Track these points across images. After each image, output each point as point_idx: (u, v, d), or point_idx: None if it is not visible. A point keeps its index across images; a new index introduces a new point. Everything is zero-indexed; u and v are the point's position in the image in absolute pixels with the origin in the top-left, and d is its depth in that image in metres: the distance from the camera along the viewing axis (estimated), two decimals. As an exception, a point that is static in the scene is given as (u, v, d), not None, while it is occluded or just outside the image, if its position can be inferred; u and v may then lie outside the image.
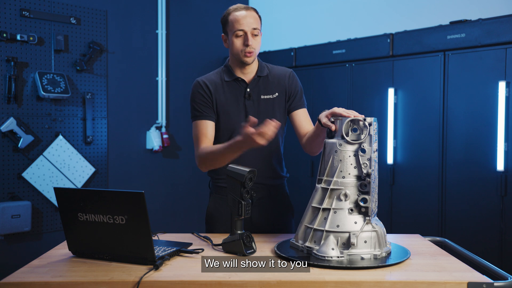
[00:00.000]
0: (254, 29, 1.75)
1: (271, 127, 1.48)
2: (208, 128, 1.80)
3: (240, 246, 1.48)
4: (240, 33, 1.75)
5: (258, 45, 1.79)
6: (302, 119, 1.87)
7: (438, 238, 1.75)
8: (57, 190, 1.45)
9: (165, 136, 3.97)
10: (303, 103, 1.89)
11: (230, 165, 1.52)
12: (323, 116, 1.58)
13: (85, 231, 1.44)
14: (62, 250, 1.56)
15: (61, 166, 3.42)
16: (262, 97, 1.83)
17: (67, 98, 3.43)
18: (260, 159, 1.83)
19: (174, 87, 4.10)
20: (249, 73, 1.83)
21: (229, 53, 1.84)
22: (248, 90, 1.82)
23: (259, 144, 1.51)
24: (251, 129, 1.49)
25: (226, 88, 1.82)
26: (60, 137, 3.41)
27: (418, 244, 1.63)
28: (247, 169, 1.49)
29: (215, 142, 1.84)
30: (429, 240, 1.71)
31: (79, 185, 3.52)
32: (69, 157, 3.45)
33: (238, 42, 1.76)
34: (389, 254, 1.46)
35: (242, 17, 1.74)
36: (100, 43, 3.61)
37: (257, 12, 1.80)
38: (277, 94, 1.84)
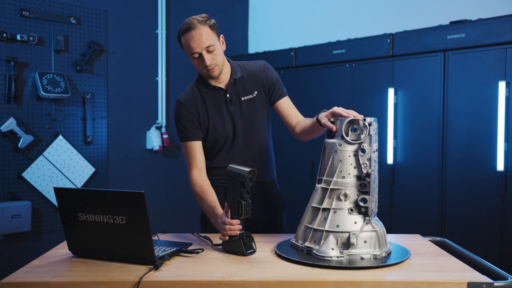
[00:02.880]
0: (208, 47, 1.72)
1: (235, 229, 1.52)
2: (197, 150, 1.82)
3: (240, 246, 1.48)
4: (196, 55, 1.74)
5: (218, 57, 1.76)
6: (287, 107, 1.90)
7: (438, 238, 1.75)
8: (57, 190, 1.45)
9: (165, 136, 3.97)
10: (283, 92, 1.91)
11: (230, 165, 1.53)
12: (323, 117, 1.58)
13: (85, 231, 1.44)
14: (62, 250, 1.56)
15: (61, 166, 3.42)
16: (243, 98, 1.84)
17: (67, 98, 3.43)
18: (253, 159, 1.87)
19: (174, 87, 4.10)
20: (223, 80, 1.83)
21: None
22: (228, 96, 1.82)
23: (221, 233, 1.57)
24: (224, 223, 1.54)
25: (206, 100, 1.83)
26: (60, 137, 3.41)
27: (418, 244, 1.63)
28: (247, 169, 1.49)
29: (209, 151, 1.88)
30: (429, 240, 1.71)
31: (79, 185, 3.52)
32: (69, 157, 3.45)
33: (198, 63, 1.76)
34: (389, 254, 1.46)
35: (190, 39, 1.71)
36: (100, 43, 3.61)
37: (207, 24, 1.73)
38: (256, 92, 1.86)
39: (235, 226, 1.51)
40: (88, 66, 3.54)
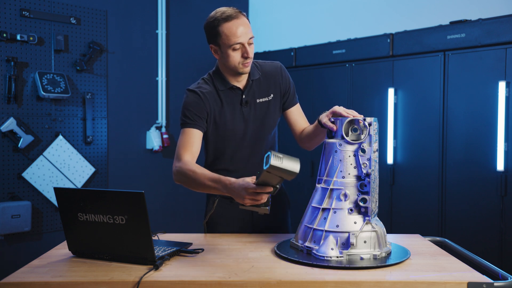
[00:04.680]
0: (250, 38, 1.66)
1: (265, 197, 1.41)
2: (195, 138, 1.70)
3: (265, 208, 1.44)
4: (238, 46, 1.65)
5: (253, 53, 1.71)
6: (297, 116, 1.88)
7: (438, 238, 1.75)
8: (57, 190, 1.45)
9: (165, 136, 3.97)
10: (296, 99, 1.89)
11: (273, 158, 1.31)
12: (323, 117, 1.58)
13: (85, 231, 1.44)
14: (62, 250, 1.56)
15: (61, 166, 3.42)
16: (258, 101, 1.80)
17: (67, 98, 3.43)
18: (260, 161, 1.83)
19: (174, 87, 4.10)
20: (243, 80, 1.78)
21: (220, 62, 1.76)
22: (244, 97, 1.77)
23: (241, 202, 1.44)
24: (251, 188, 1.40)
25: (222, 97, 1.76)
26: (60, 137, 3.41)
27: (418, 244, 1.63)
28: (298, 165, 1.34)
29: (213, 152, 1.82)
30: (429, 240, 1.71)
31: (79, 185, 3.52)
32: (69, 157, 3.45)
33: (236, 55, 1.67)
34: (389, 254, 1.46)
35: (236, 27, 1.63)
36: (100, 43, 3.61)
37: (245, 16, 1.69)
38: (272, 95, 1.82)
39: (265, 195, 1.42)
40: (88, 66, 3.54)
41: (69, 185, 3.45)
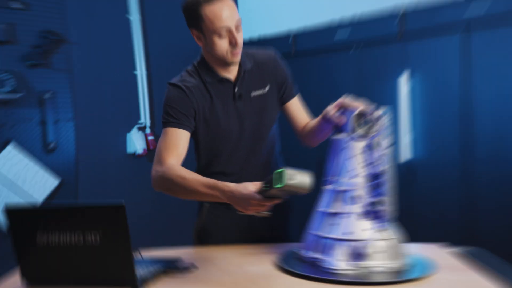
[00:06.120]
0: (237, 20, 1.66)
1: (265, 207, 1.49)
2: (181, 139, 1.72)
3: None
4: (223, 31, 1.65)
5: (242, 38, 1.71)
6: (298, 109, 1.91)
7: (468, 248, 1.73)
8: (9, 211, 1.41)
9: (150, 137, 3.97)
10: (295, 90, 1.91)
11: (289, 179, 1.41)
12: (330, 110, 1.60)
13: (46, 256, 1.41)
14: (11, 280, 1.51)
15: (13, 181, 3.37)
16: (253, 94, 1.81)
17: (18, 99, 3.38)
18: (262, 162, 1.87)
19: (157, 81, 4.08)
20: (233, 70, 1.79)
21: (205, 51, 1.77)
22: (236, 90, 1.79)
23: (242, 210, 1.51)
24: (255, 199, 1.46)
25: (211, 91, 1.77)
26: (11, 146, 3.36)
27: (444, 255, 1.62)
28: (309, 180, 1.42)
29: (207, 153, 1.84)
30: (458, 251, 1.70)
31: (40, 201, 3.48)
32: (24, 169, 3.41)
33: (223, 43, 1.67)
34: (407, 267, 1.46)
35: (221, 10, 1.62)
36: (57, 32, 3.56)
37: None
38: (268, 86, 1.84)
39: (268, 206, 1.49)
40: (44, 60, 3.50)
41: (23, 202, 3.39)
